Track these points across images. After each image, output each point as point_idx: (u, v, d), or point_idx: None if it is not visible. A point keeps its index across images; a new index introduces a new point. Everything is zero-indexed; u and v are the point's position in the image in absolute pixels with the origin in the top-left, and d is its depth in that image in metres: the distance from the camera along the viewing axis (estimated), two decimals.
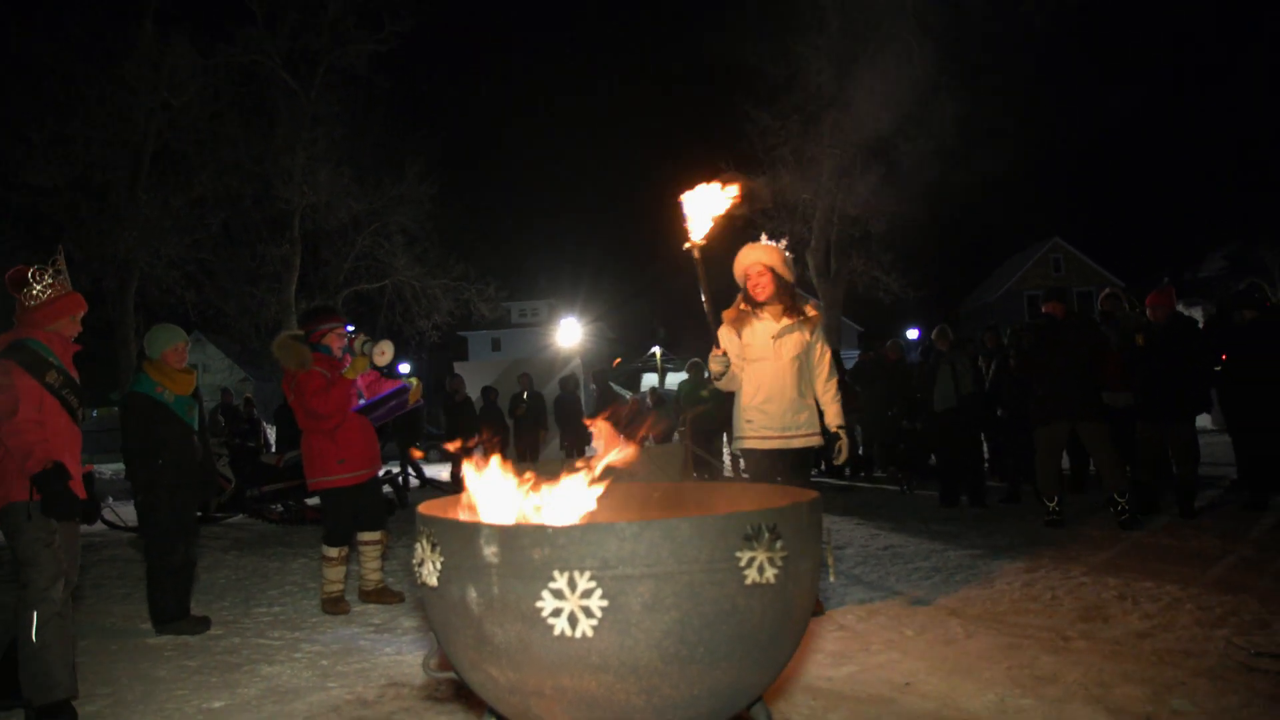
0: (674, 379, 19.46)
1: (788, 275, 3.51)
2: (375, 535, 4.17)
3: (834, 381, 3.56)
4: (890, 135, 13.42)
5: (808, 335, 3.51)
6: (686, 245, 3.11)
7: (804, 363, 3.52)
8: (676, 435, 10.60)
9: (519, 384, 10.58)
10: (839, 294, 14.53)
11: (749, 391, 3.55)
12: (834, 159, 13.75)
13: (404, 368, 23.97)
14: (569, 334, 25.75)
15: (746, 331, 3.57)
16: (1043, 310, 5.54)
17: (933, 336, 7.05)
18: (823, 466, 9.80)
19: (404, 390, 4.12)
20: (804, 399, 3.50)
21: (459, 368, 14.10)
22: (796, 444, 3.48)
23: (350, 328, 4.34)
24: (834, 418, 3.53)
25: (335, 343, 4.07)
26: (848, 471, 9.87)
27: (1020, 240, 34.84)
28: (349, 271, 18.13)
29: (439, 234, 18.57)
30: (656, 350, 37.09)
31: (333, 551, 4.04)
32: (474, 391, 10.68)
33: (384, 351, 4.05)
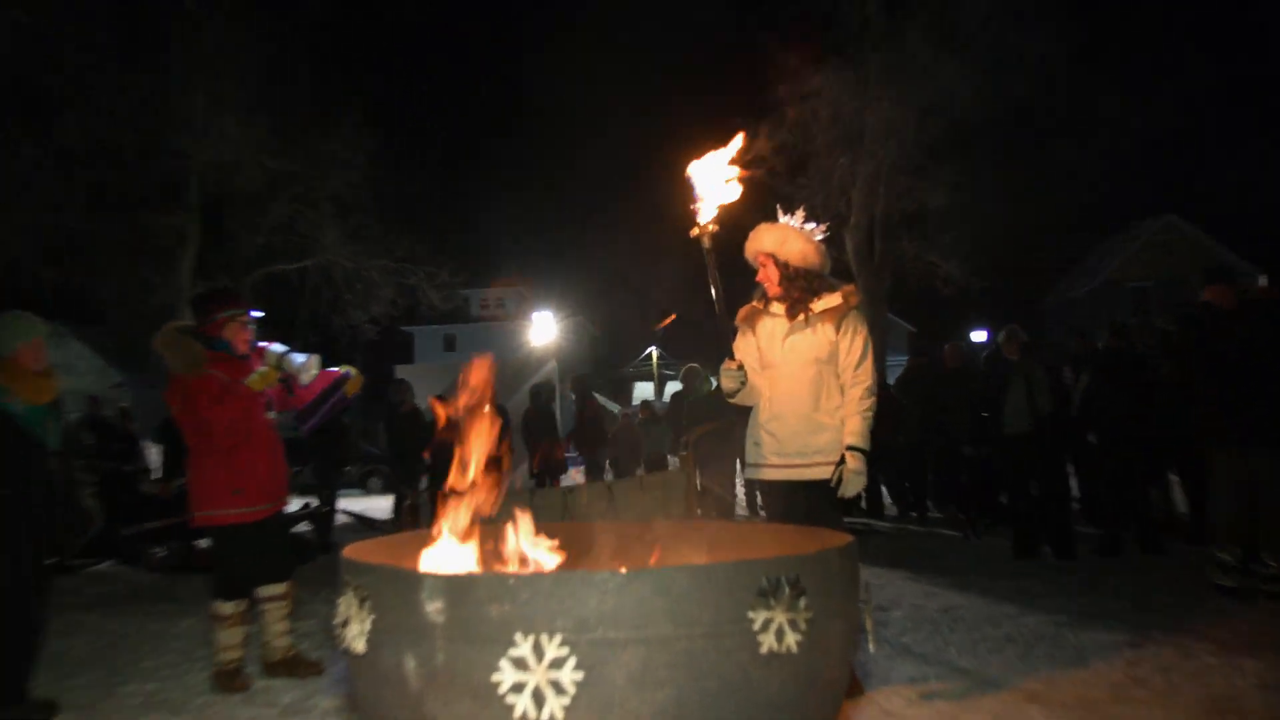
0: (674, 388, 19.54)
1: (799, 261, 3.50)
2: (279, 589, 4.15)
3: (863, 386, 3.50)
4: (952, 83, 13.50)
5: (831, 332, 3.50)
6: (694, 231, 3.13)
7: (826, 369, 3.50)
8: (675, 460, 10.60)
9: None
10: (885, 284, 14.61)
11: (761, 407, 3.60)
12: (881, 113, 13.81)
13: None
14: (543, 330, 25.77)
15: (760, 331, 3.61)
16: (1204, 298, 5.27)
17: (999, 340, 7.07)
18: (862, 504, 9.83)
19: (344, 380, 4.14)
20: (825, 416, 3.48)
21: (403, 372, 14.02)
22: (814, 474, 3.47)
23: (256, 314, 4.35)
24: (849, 434, 3.46)
25: (237, 336, 4.06)
26: (894, 510, 9.88)
27: (1122, 219, 34.93)
28: (262, 248, 18.12)
29: (379, 203, 18.58)
30: (653, 352, 37.21)
31: (226, 608, 4.01)
32: (422, 401, 10.66)
33: (310, 369, 4.07)
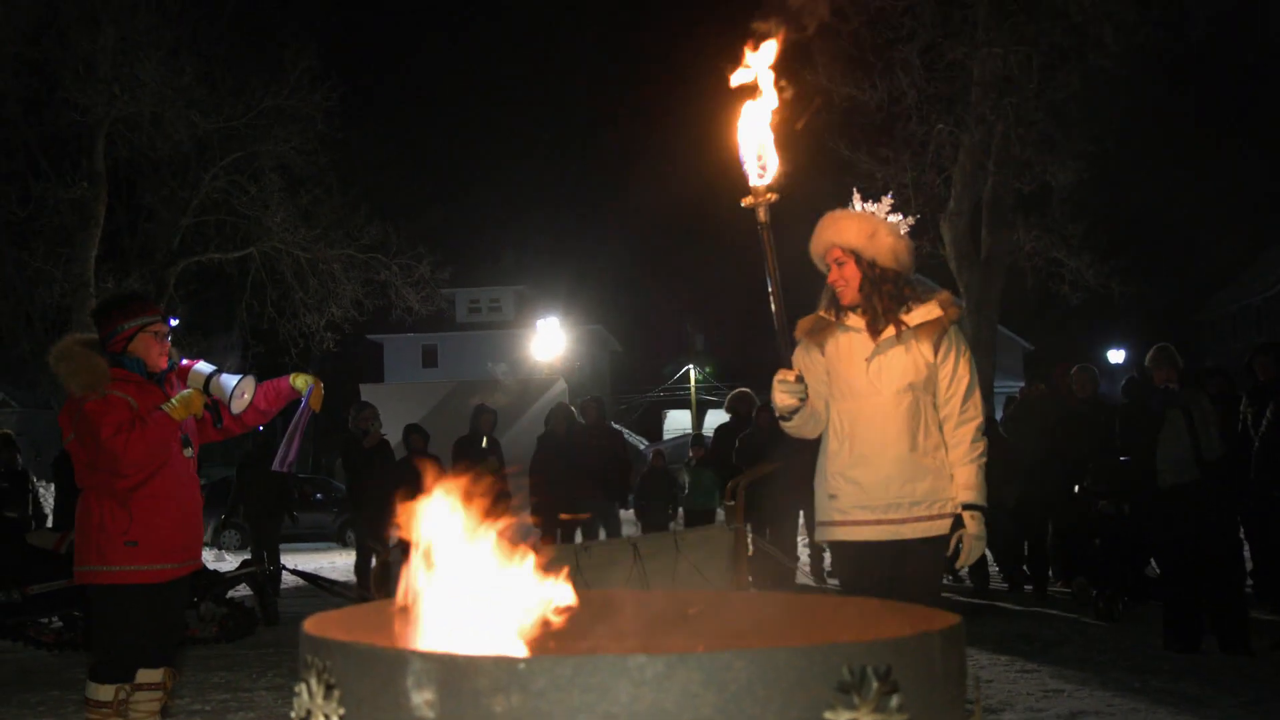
0: (719, 419, 19.56)
1: (890, 261, 3.56)
2: (155, 675, 4.16)
3: (972, 425, 3.56)
4: (1087, 23, 13.42)
5: (928, 351, 3.55)
6: (746, 201, 3.17)
7: (922, 398, 3.55)
8: (721, 513, 10.58)
9: (475, 423, 10.62)
10: (994, 288, 14.53)
11: (834, 446, 3.63)
12: (991, 63, 13.79)
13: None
14: (548, 342, 25.88)
15: (831, 350, 3.65)
16: None
17: (1147, 362, 7.03)
18: (960, 573, 9.77)
19: (305, 399, 4.25)
20: (924, 457, 3.52)
21: (368, 393, 14.06)
22: (913, 531, 3.51)
23: (173, 321, 4.45)
24: (961, 487, 3.53)
25: (150, 351, 4.15)
26: (1002, 581, 9.80)
27: None
28: (189, 231, 18.24)
29: (340, 176, 18.66)
30: (692, 371, 37.21)
31: (104, 692, 4.01)
32: (394, 431, 10.74)
33: (243, 393, 4.17)
